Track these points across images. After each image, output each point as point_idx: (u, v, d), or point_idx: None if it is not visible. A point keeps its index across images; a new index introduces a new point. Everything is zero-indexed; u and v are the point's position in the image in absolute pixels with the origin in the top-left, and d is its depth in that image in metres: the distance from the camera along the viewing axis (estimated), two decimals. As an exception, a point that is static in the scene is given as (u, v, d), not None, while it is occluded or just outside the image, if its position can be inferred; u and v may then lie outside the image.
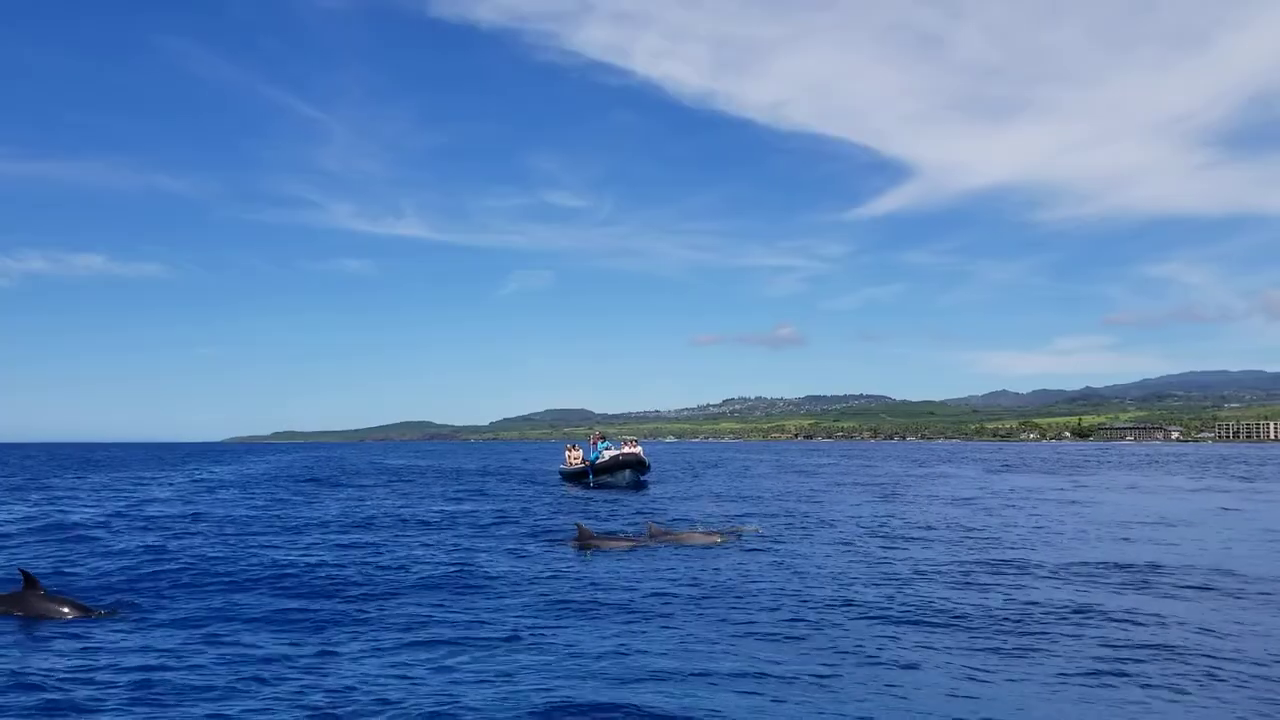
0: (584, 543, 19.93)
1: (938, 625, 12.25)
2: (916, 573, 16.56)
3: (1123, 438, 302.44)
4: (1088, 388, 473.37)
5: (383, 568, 17.24)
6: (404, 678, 9.78)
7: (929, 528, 24.67)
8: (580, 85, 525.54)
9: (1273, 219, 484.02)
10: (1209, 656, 10.48)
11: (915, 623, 12.40)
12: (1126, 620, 12.52)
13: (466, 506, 32.69)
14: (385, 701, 8.92)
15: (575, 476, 46.66)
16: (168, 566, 17.32)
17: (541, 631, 11.97)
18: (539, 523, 26.16)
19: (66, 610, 12.76)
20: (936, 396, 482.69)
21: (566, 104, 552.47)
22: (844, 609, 13.29)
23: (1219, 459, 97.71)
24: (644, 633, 11.94)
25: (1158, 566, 17.22)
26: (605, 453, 44.97)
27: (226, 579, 15.97)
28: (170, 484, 48.61)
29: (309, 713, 8.64)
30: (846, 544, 21.09)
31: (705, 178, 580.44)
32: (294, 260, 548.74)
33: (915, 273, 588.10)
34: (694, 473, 63.38)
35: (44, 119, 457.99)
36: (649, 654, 10.75)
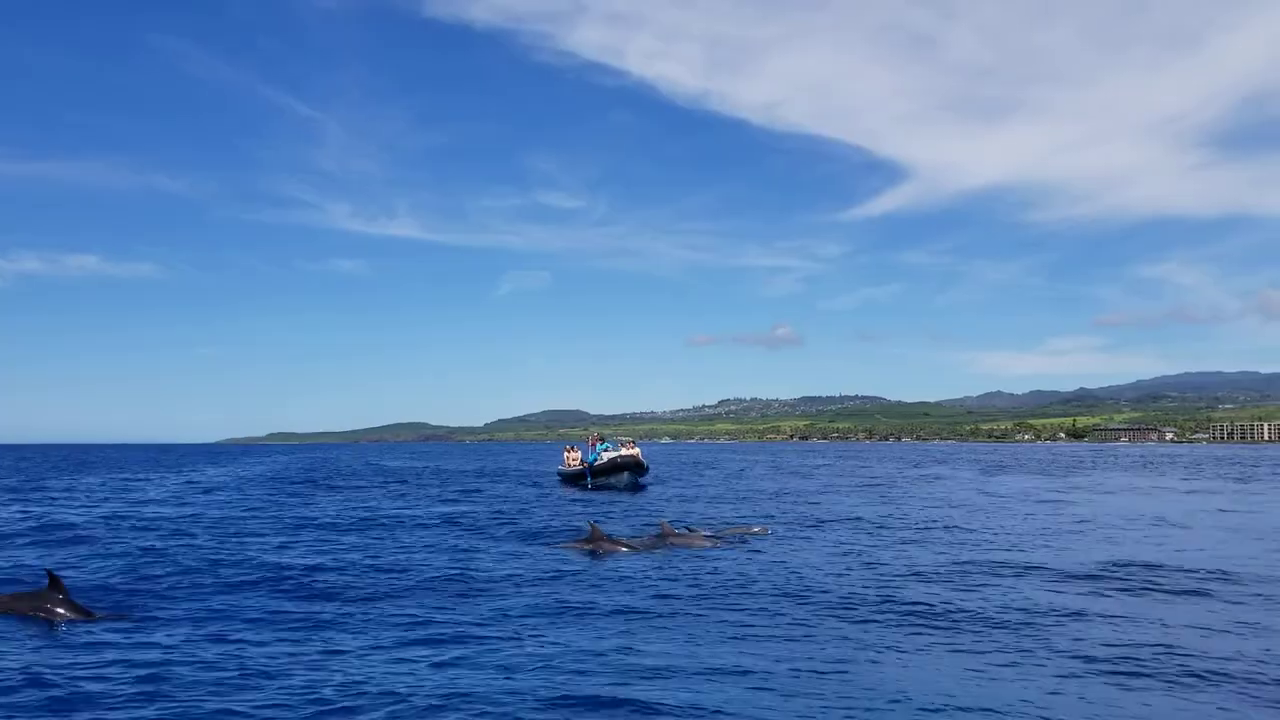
0: (596, 543, 19.68)
1: (938, 625, 12.37)
2: (915, 574, 16.67)
3: (1117, 439, 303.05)
4: (1082, 389, 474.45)
5: (383, 569, 17.28)
6: (411, 674, 9.91)
7: (927, 529, 24.79)
8: (575, 86, 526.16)
9: (1266, 219, 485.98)
10: (1209, 657, 10.57)
11: (916, 623, 12.52)
12: (1126, 620, 12.64)
13: (465, 508, 32.72)
14: (394, 694, 9.08)
15: (573, 478, 46.68)
16: (167, 568, 17.35)
17: (544, 630, 12.08)
18: (538, 524, 26.21)
19: (79, 612, 12.85)
20: (931, 397, 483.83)
21: (562, 104, 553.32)
22: (845, 609, 13.42)
23: (1213, 460, 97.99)
24: (647, 631, 12.06)
25: (1155, 567, 17.34)
26: (604, 454, 44.97)
27: (226, 580, 16.02)
28: (167, 486, 48.56)
29: (320, 707, 8.78)
30: (847, 545, 21.20)
31: (701, 178, 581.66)
32: (290, 261, 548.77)
33: (911, 273, 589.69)
34: (691, 474, 63.46)
35: (40, 119, 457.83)
36: (651, 651, 10.87)
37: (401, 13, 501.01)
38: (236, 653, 10.87)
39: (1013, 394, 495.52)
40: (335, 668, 10.16)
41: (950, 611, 13.11)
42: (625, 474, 43.64)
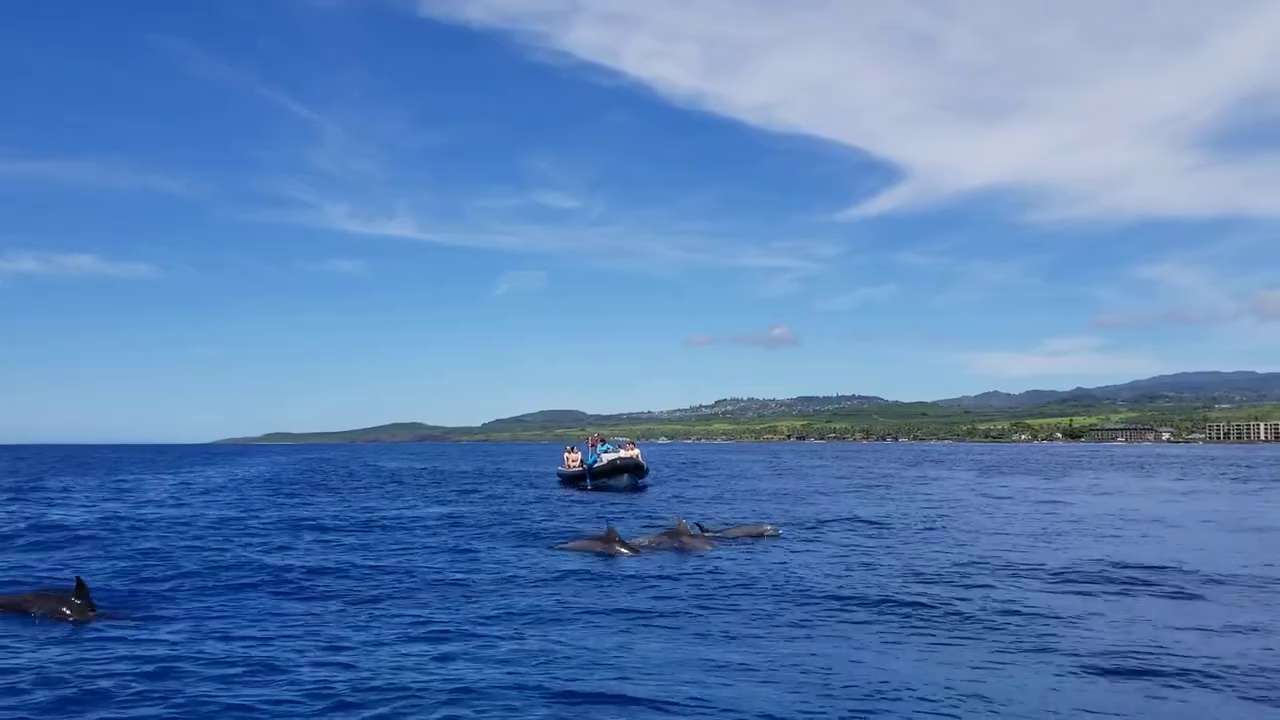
0: (609, 544, 19.34)
1: (938, 625, 12.46)
2: (914, 574, 16.76)
3: (1114, 439, 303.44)
4: (1079, 389, 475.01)
5: (385, 570, 17.31)
6: (416, 670, 10.03)
7: (925, 529, 24.88)
8: (572, 86, 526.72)
9: (1263, 220, 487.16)
10: (1208, 657, 10.64)
11: (916, 623, 12.61)
12: (1124, 621, 12.72)
13: (465, 509, 32.75)
14: (401, 689, 9.22)
15: (573, 480, 46.71)
16: (168, 569, 17.37)
17: (549, 628, 12.18)
18: (539, 525, 26.26)
19: (93, 612, 12.94)
20: (929, 397, 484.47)
21: (559, 105, 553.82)
22: (846, 609, 13.51)
23: (1210, 460, 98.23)
24: (653, 629, 12.16)
25: (1153, 568, 17.42)
26: (604, 456, 44.96)
27: (228, 581, 16.04)
28: (165, 486, 48.54)
29: (328, 701, 8.91)
30: (847, 545, 21.29)
31: (698, 178, 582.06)
32: (288, 261, 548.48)
33: (908, 273, 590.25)
34: (689, 474, 63.52)
35: (38, 119, 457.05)
36: (656, 649, 10.98)
37: (398, 13, 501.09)
38: (243, 650, 10.96)
39: (1010, 394, 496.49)
40: (341, 664, 10.26)
41: (950, 612, 13.19)
42: (625, 476, 43.61)
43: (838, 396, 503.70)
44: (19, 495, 40.59)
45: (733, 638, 11.61)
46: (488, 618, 12.81)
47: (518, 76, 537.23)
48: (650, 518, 27.92)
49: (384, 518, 28.84)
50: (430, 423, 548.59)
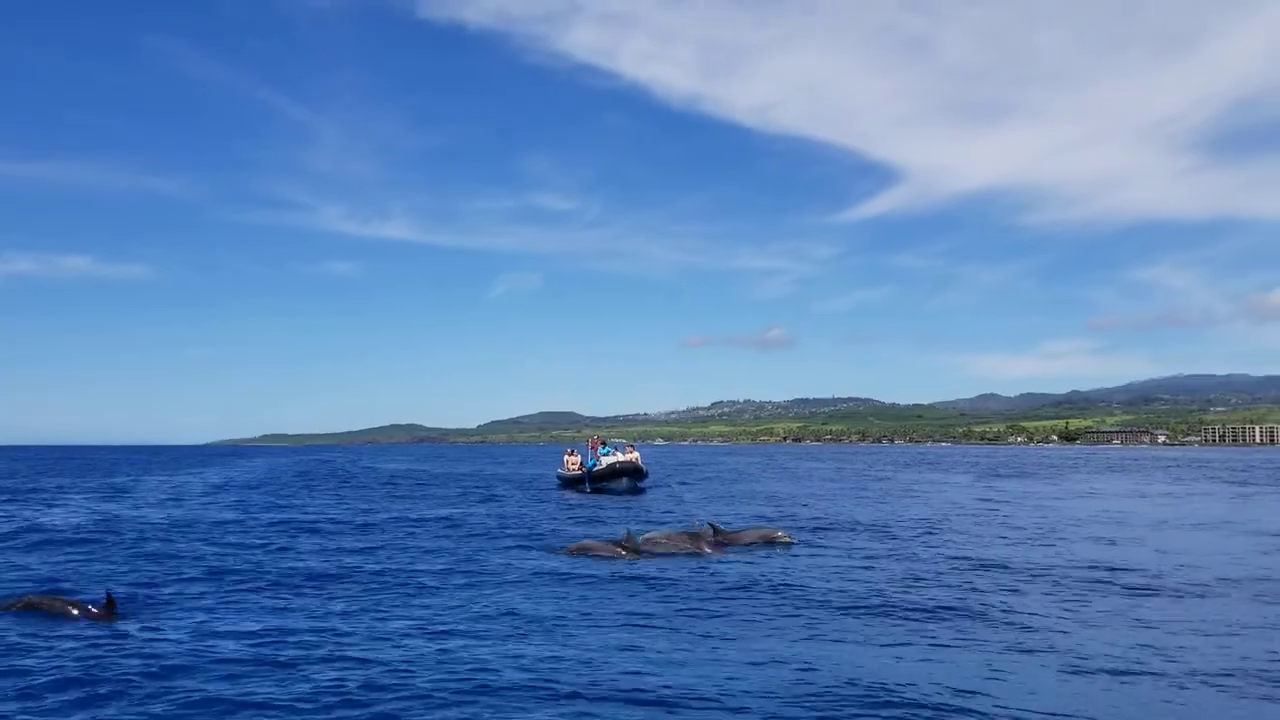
0: (629, 548, 19.13)
1: (938, 625, 12.57)
2: (914, 575, 16.88)
3: (1109, 441, 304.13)
4: (1074, 391, 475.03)
5: (388, 571, 17.32)
6: (425, 668, 10.12)
7: (924, 532, 24.95)
8: (569, 88, 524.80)
9: (1258, 223, 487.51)
10: (1207, 657, 10.73)
11: (916, 622, 12.72)
12: (1123, 621, 12.83)
13: (465, 510, 32.77)
14: (410, 686, 9.32)
15: (573, 482, 46.72)
16: (168, 571, 17.39)
17: (557, 627, 12.26)
18: (540, 526, 26.30)
19: (98, 612, 13.02)
20: (924, 399, 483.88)
21: (555, 106, 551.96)
22: (846, 609, 13.62)
23: (1205, 463, 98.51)
24: (662, 629, 12.23)
25: (1150, 569, 17.55)
26: (604, 459, 44.97)
27: (229, 583, 16.06)
28: (163, 488, 48.49)
29: (338, 696, 9.02)
30: (847, 546, 21.37)
31: (694, 180, 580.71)
32: (284, 263, 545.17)
33: (904, 275, 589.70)
34: (688, 476, 63.56)
35: (33, 119, 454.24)
36: (662, 649, 11.08)
37: (395, 14, 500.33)
38: (252, 649, 11.03)
39: (1005, 396, 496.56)
40: (349, 662, 10.34)
41: (952, 613, 13.27)
42: (624, 480, 43.56)
43: (834, 398, 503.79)
44: (16, 496, 40.55)
45: (742, 639, 11.68)
46: (494, 618, 12.87)
47: (514, 78, 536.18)
48: (651, 518, 27.98)
49: (384, 520, 28.84)
50: (427, 424, 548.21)
